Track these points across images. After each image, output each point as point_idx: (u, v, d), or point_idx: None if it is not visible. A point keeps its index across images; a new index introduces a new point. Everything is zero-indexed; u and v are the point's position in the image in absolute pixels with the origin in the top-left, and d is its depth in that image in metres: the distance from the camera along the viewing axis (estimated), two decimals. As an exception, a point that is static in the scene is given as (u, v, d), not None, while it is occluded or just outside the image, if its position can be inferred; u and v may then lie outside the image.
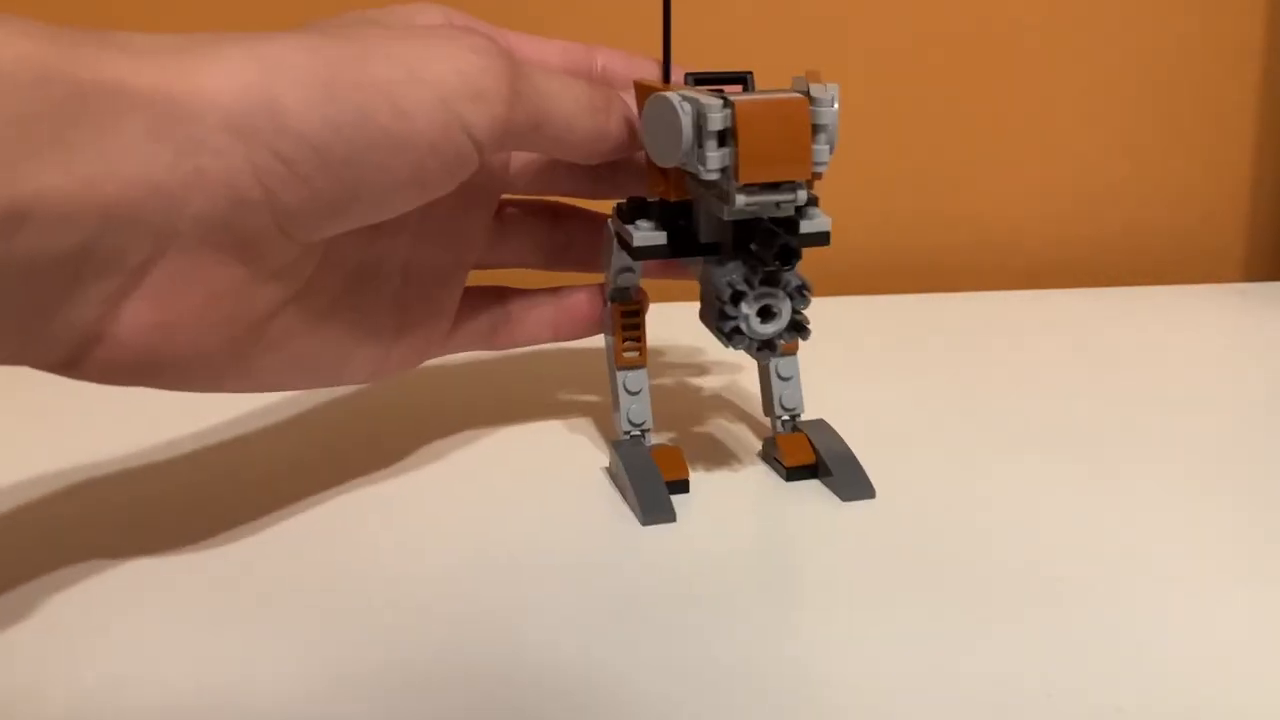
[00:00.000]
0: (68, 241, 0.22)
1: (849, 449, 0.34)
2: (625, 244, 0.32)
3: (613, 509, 0.33)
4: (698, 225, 0.31)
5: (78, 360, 0.24)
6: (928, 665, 0.25)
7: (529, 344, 0.36)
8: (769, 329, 0.30)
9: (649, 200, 0.32)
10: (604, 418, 0.39)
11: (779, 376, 0.36)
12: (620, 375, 0.34)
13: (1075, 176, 0.63)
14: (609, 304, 0.35)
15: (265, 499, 0.33)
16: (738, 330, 0.30)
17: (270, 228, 0.25)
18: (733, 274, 0.30)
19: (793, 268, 0.29)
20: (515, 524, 0.32)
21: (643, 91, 0.31)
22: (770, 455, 0.36)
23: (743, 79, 0.31)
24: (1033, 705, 0.23)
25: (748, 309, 0.29)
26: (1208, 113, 0.63)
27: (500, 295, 0.36)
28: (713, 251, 0.31)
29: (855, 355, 0.47)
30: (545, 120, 0.28)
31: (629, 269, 0.34)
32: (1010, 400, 0.42)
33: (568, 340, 0.36)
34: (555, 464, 0.36)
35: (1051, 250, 0.63)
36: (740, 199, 0.28)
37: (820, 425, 0.36)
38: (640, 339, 0.35)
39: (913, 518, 0.32)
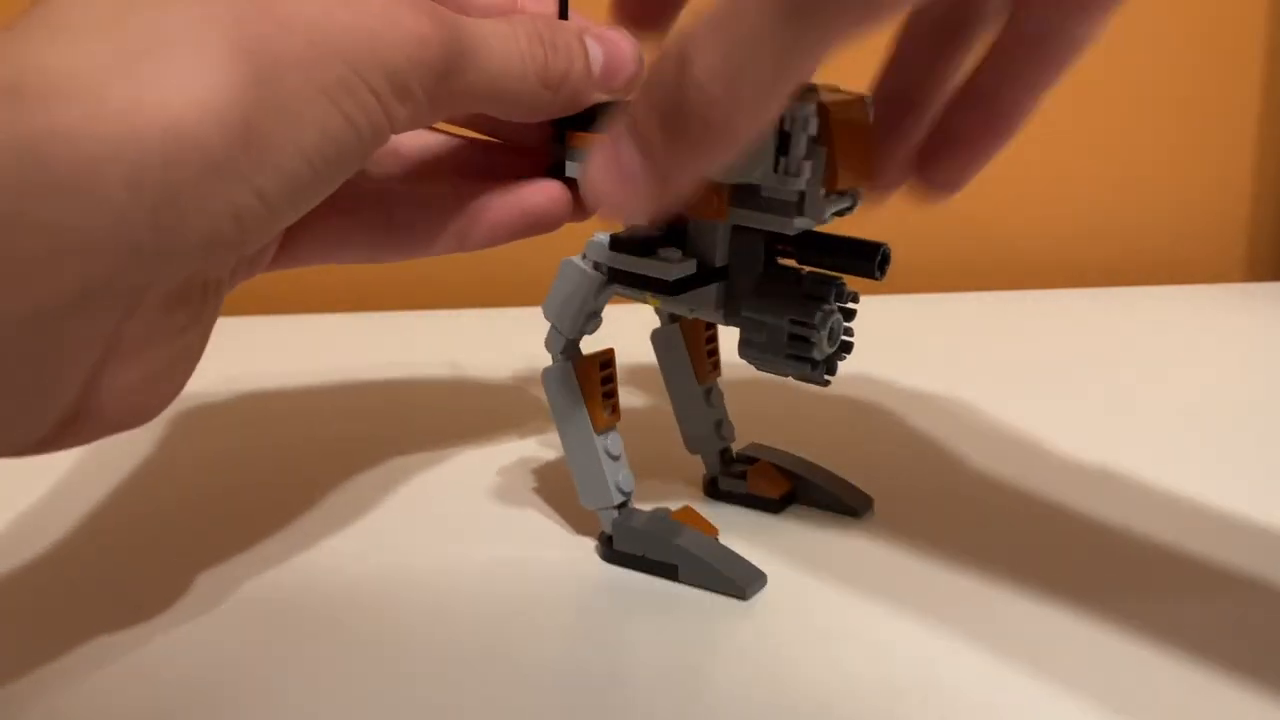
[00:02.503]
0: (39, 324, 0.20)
1: (822, 466, 0.33)
2: (634, 280, 0.28)
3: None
4: (707, 248, 0.28)
5: (52, 440, 0.23)
6: (928, 666, 0.25)
7: (422, 252, 0.30)
8: (833, 347, 0.28)
9: (637, 228, 0.29)
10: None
11: (711, 405, 0.33)
12: (600, 441, 0.29)
13: (1076, 177, 0.63)
14: (569, 360, 0.29)
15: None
16: (815, 356, 0.27)
17: (231, 260, 0.23)
18: (811, 294, 0.27)
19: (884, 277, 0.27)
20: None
21: None
22: (734, 491, 0.33)
23: None
24: (1034, 705, 0.23)
25: (823, 330, 0.27)
26: (1209, 112, 0.63)
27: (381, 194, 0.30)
28: (723, 275, 0.28)
29: (854, 355, 0.47)
30: (480, 102, 0.25)
31: (597, 313, 0.29)
32: (1010, 400, 0.42)
33: (478, 246, 0.29)
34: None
35: (1051, 250, 0.63)
36: (824, 209, 0.26)
37: (766, 449, 0.34)
38: (615, 393, 0.30)
39: (914, 519, 0.32)
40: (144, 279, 0.21)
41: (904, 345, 0.49)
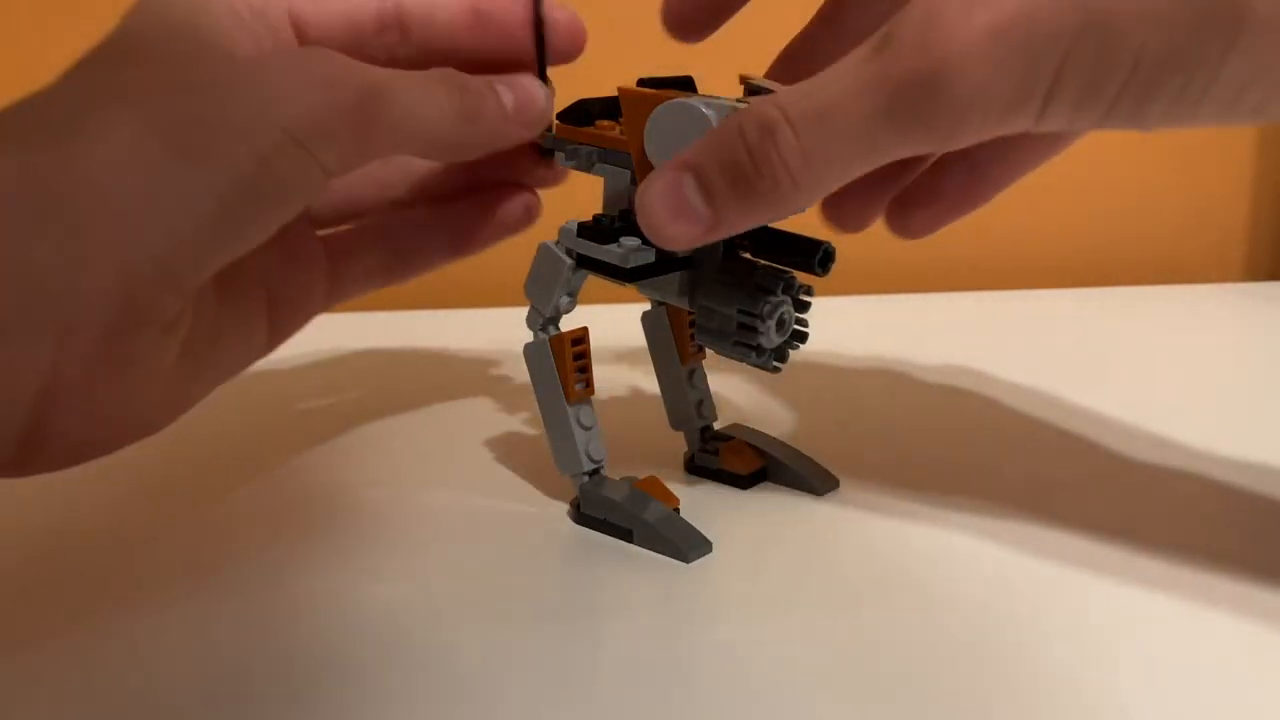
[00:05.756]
0: None
1: (792, 446, 0.35)
2: (599, 266, 0.30)
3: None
4: None
5: (19, 463, 0.24)
6: (926, 660, 0.25)
7: (431, 268, 0.35)
8: (782, 336, 0.29)
9: (605, 216, 0.31)
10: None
11: (693, 385, 0.35)
12: (573, 411, 0.31)
13: (1075, 176, 0.63)
14: (548, 334, 0.31)
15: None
16: (762, 344, 0.29)
17: (158, 295, 0.24)
18: (760, 285, 0.29)
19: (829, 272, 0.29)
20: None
21: (639, 100, 0.29)
22: (707, 467, 0.35)
23: (687, 83, 0.31)
24: (1034, 704, 0.23)
25: (770, 320, 0.29)
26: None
27: (384, 229, 0.35)
28: (687, 265, 0.31)
29: (855, 355, 0.47)
30: (404, 140, 0.28)
31: (572, 294, 0.31)
32: (1010, 400, 0.42)
33: (474, 252, 0.35)
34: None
35: (1051, 250, 0.63)
36: None
37: (746, 429, 0.35)
38: (588, 368, 0.32)
39: (913, 517, 0.32)
40: (51, 321, 0.23)
41: (903, 344, 0.49)
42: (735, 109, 0.27)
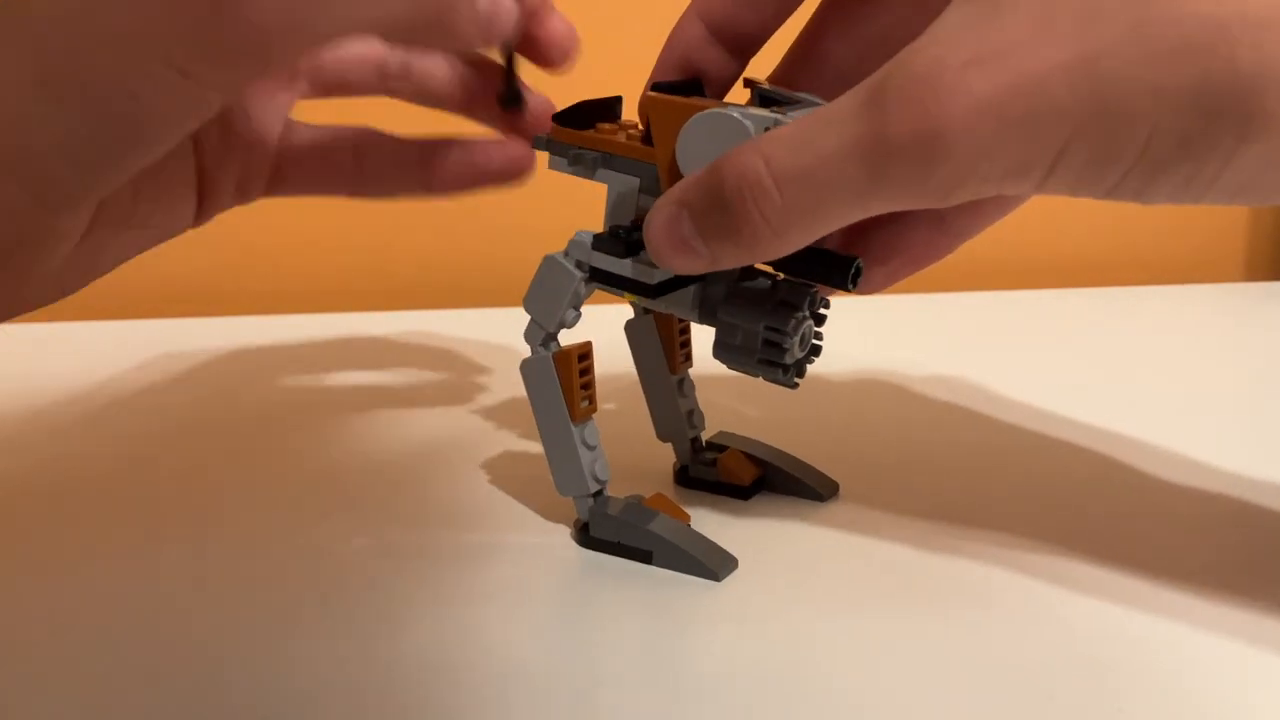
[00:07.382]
0: None
1: (789, 453, 0.34)
2: (616, 280, 0.29)
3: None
4: None
5: None
6: (926, 661, 0.25)
7: (396, 197, 0.34)
8: (803, 351, 0.29)
9: (621, 228, 0.29)
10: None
11: (683, 395, 0.34)
12: (578, 431, 0.30)
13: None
14: (550, 352, 0.29)
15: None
16: (786, 361, 0.28)
17: (41, 220, 0.25)
18: (786, 301, 0.28)
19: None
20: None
21: (669, 108, 0.28)
22: (705, 479, 0.34)
23: (697, 87, 0.30)
24: (1034, 705, 0.23)
25: (795, 336, 0.28)
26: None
27: (356, 142, 0.33)
28: (700, 278, 0.29)
29: (855, 355, 0.47)
30: (325, 43, 0.24)
31: (576, 308, 0.30)
32: (1007, 399, 0.42)
33: (446, 194, 0.33)
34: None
35: (1051, 250, 0.63)
36: None
37: (736, 437, 0.35)
38: (592, 384, 0.30)
39: (913, 518, 0.32)
40: None
41: (903, 344, 0.49)
42: (779, 121, 0.26)
